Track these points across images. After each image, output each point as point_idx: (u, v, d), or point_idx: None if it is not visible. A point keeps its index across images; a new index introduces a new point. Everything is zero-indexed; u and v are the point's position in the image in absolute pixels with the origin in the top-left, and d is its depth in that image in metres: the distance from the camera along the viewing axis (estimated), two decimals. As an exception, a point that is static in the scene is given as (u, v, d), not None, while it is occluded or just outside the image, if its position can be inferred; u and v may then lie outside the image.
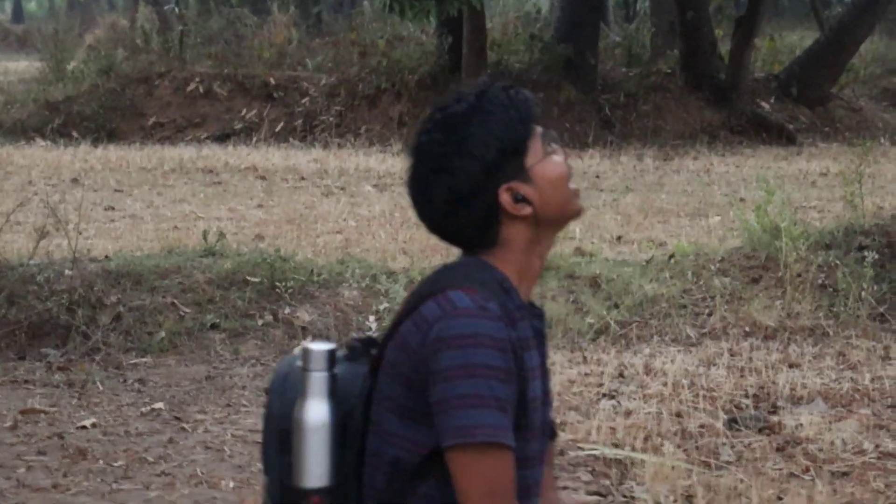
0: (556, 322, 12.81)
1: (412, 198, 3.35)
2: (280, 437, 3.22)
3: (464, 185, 3.13)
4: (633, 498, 8.41)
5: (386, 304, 13.24)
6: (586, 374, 11.59)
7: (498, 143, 3.11)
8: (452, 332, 2.91)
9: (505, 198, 3.07)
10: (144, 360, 12.11)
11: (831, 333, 12.85)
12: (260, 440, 3.81)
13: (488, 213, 3.14)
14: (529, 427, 3.13)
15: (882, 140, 28.60)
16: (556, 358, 11.81)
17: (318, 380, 3.13)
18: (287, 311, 13.30)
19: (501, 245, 3.15)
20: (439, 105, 3.33)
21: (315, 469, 3.15)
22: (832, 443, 9.14)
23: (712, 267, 14.92)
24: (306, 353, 3.18)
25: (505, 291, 3.10)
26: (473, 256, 3.24)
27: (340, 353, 3.29)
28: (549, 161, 3.17)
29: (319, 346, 3.21)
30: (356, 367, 3.24)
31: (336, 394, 3.18)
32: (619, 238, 17.51)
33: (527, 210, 3.11)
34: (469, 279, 3.08)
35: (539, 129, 3.16)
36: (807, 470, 8.73)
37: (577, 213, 3.26)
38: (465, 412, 2.89)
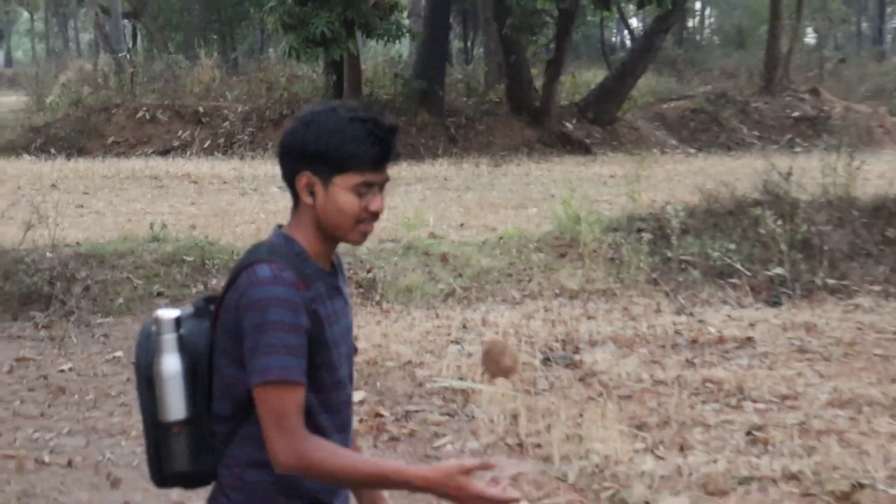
0: (415, 288, 12.98)
1: (280, 152, 3.32)
2: (147, 383, 3.16)
3: (285, 154, 3.07)
4: (473, 417, 8.50)
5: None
6: (438, 327, 11.70)
7: (321, 145, 3.00)
8: (253, 297, 2.87)
9: (300, 179, 3.02)
10: (108, 319, 12.11)
11: (618, 294, 13.00)
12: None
13: (290, 182, 3.10)
14: (333, 363, 3.09)
15: (654, 151, 28.49)
16: (417, 315, 11.96)
17: (167, 340, 3.11)
18: (214, 282, 13.21)
19: (299, 216, 3.10)
20: (310, 109, 3.25)
21: (173, 406, 3.11)
22: (619, 374, 9.31)
23: (531, 246, 14.93)
24: (157, 320, 3.15)
25: (302, 261, 3.03)
26: (282, 232, 3.17)
27: (188, 311, 3.24)
28: (349, 194, 3.04)
29: (167, 314, 3.18)
30: (202, 322, 3.18)
31: (185, 348, 3.13)
32: (462, 225, 17.35)
33: (308, 200, 3.03)
34: (273, 253, 3.00)
35: (378, 177, 3.03)
36: (601, 394, 8.85)
37: (350, 242, 3.17)
38: (261, 358, 2.84)
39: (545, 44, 33.46)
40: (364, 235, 3.06)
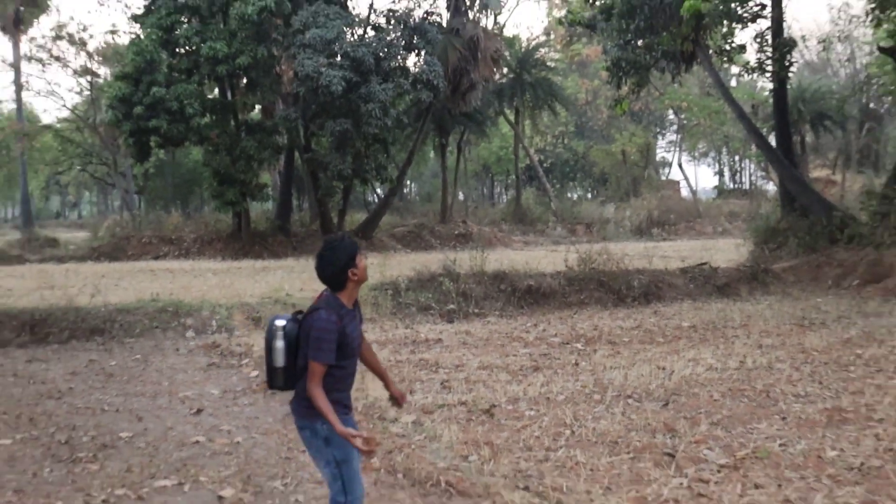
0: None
1: (319, 269, 5.13)
2: (269, 349, 5.03)
3: (338, 268, 5.00)
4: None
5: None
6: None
7: (347, 255, 5.01)
8: (316, 324, 4.85)
9: (349, 273, 4.97)
10: (132, 339, 15.59)
11: (376, 320, 17.71)
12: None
13: (343, 278, 4.97)
14: (349, 350, 5.06)
15: (391, 251, 36.41)
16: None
17: (278, 332, 4.98)
18: (184, 320, 17.00)
19: (345, 288, 5.03)
20: (326, 241, 5.18)
21: (278, 361, 5.04)
22: (380, 358, 11.73)
23: None
24: (273, 323, 5.04)
25: (340, 307, 4.94)
26: (332, 293, 5.06)
27: (289, 318, 5.12)
28: (361, 262, 5.05)
29: (279, 321, 5.02)
30: (294, 325, 5.05)
31: (286, 336, 4.98)
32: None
33: (355, 278, 4.96)
34: (328, 304, 4.96)
35: (359, 249, 5.06)
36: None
37: (366, 278, 5.15)
38: (313, 350, 4.88)
39: (338, 200, 41.54)
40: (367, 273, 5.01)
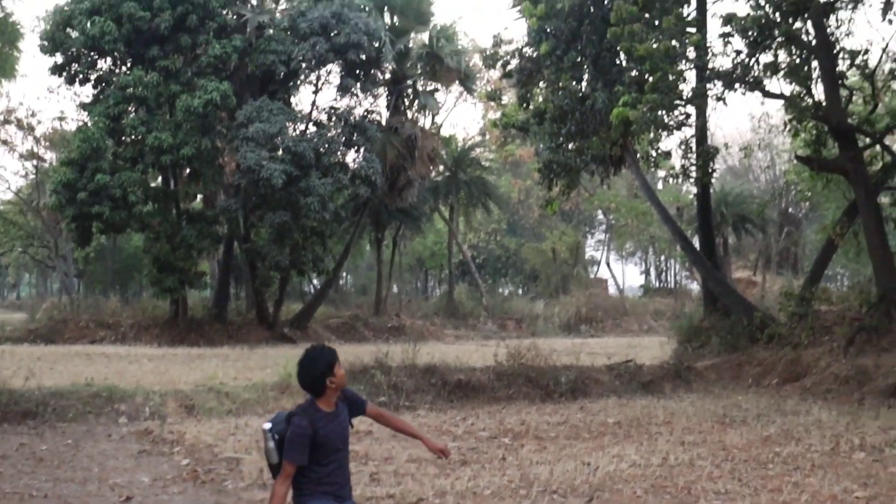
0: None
1: (300, 377, 5.44)
2: (265, 450, 5.46)
3: (317, 377, 5.31)
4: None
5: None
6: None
7: (326, 364, 5.32)
8: (292, 428, 5.21)
9: (328, 382, 5.30)
10: (65, 424, 15.79)
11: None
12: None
13: (322, 386, 5.28)
14: (326, 450, 5.36)
15: (325, 341, 32.49)
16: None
17: (268, 435, 5.37)
18: (117, 406, 16.77)
19: (324, 395, 5.34)
20: (307, 351, 5.45)
21: (272, 459, 5.43)
22: None
23: (269, 384, 21.32)
24: (265, 429, 5.39)
25: (317, 412, 5.29)
26: (312, 399, 5.38)
27: (279, 420, 5.48)
28: (339, 371, 5.36)
29: (266, 425, 5.39)
30: (285, 424, 5.38)
31: (276, 438, 5.37)
32: (235, 378, 20.85)
33: (333, 385, 5.30)
34: (303, 411, 5.30)
35: (337, 359, 5.35)
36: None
37: (345, 384, 5.40)
38: (286, 451, 5.23)
39: (274, 290, 42.03)
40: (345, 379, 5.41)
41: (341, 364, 5.54)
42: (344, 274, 66.55)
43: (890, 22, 21.13)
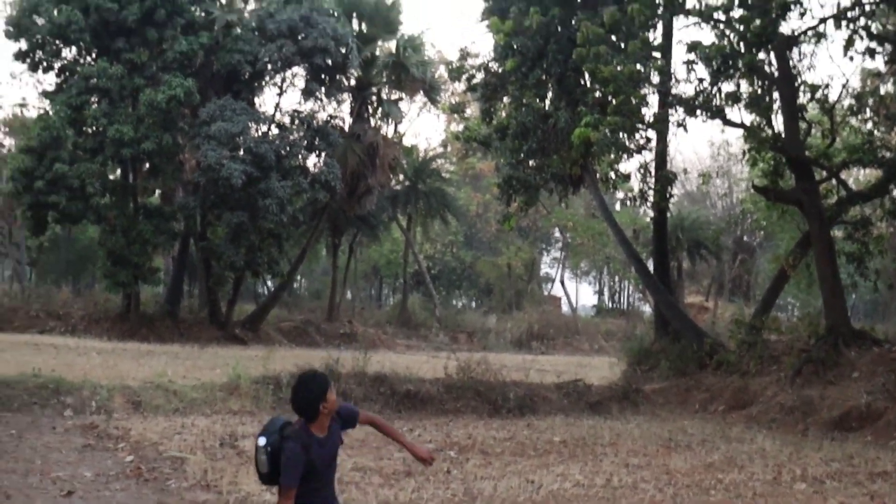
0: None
1: (293, 403, 5.54)
2: (256, 461, 5.53)
3: (310, 402, 5.42)
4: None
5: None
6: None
7: (319, 390, 5.43)
8: (286, 454, 5.30)
9: (321, 407, 5.40)
10: (8, 414, 15.36)
11: (256, 413, 17.82)
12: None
13: (315, 411, 5.38)
14: (315, 473, 5.44)
15: (277, 347, 35.29)
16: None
17: (261, 449, 5.43)
18: (63, 398, 16.62)
19: (317, 420, 5.45)
20: (300, 377, 5.61)
21: (262, 470, 5.52)
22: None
23: (218, 386, 20.51)
24: (258, 443, 5.46)
25: (309, 436, 5.39)
26: (304, 423, 5.45)
27: (272, 433, 5.51)
28: (331, 396, 5.46)
29: (261, 440, 5.47)
30: (277, 437, 5.46)
31: (269, 452, 5.44)
32: (184, 376, 20.39)
33: (325, 410, 5.41)
34: (297, 436, 5.39)
35: (330, 384, 5.47)
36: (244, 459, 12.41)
37: (335, 410, 5.52)
38: (283, 476, 5.32)
39: (228, 289, 41.87)
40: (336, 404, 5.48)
41: (333, 389, 5.62)
42: (298, 278, 66.58)
43: (851, 58, 21.46)
